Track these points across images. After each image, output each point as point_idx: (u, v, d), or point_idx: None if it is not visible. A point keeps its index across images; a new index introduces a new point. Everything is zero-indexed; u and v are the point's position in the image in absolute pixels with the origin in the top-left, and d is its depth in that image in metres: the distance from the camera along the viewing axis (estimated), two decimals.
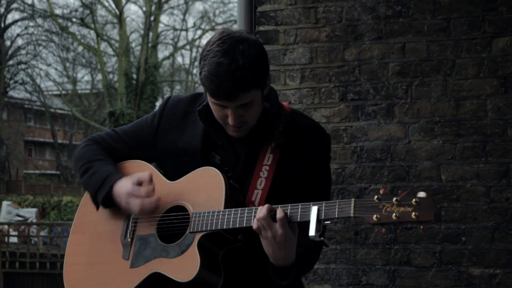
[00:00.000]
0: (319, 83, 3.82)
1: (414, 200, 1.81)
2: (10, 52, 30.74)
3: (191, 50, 32.54)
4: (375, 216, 1.84)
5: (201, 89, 2.22)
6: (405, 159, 3.67)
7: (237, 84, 1.97)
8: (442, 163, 3.62)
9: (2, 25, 30.65)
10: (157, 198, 2.14)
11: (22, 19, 30.92)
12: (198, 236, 2.06)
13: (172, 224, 2.15)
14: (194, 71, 32.53)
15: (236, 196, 2.11)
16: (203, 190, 2.11)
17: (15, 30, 37.55)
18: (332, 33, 3.82)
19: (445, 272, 3.57)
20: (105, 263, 2.23)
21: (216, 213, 2.05)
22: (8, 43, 30.93)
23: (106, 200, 2.20)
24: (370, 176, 3.70)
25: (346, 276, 3.70)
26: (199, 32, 31.21)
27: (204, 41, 31.11)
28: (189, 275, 2.01)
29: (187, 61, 35.79)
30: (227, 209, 2.04)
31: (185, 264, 2.03)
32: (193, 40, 31.74)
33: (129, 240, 2.20)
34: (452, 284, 3.56)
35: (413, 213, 1.80)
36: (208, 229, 2.04)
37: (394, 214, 1.82)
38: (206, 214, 2.06)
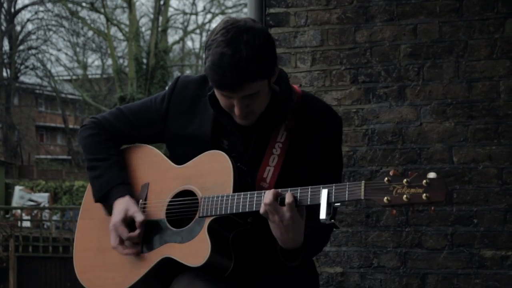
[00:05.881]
0: (330, 65, 3.80)
1: (424, 181, 1.79)
2: (20, 37, 30.80)
3: (201, 34, 32.47)
4: (385, 198, 1.83)
5: None
6: (417, 141, 3.65)
7: (240, 75, 1.94)
8: (454, 145, 3.60)
9: (13, 10, 30.71)
10: (135, 251, 2.16)
11: (32, 4, 30.94)
12: (208, 221, 2.05)
13: (181, 208, 2.15)
14: (204, 55, 32.47)
15: (245, 179, 2.10)
16: (211, 175, 2.10)
17: (25, 15, 37.67)
18: (343, 15, 3.79)
19: (457, 254, 3.57)
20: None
21: (225, 197, 2.04)
22: (18, 28, 31.01)
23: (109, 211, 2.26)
24: (382, 159, 3.69)
25: (358, 258, 3.70)
26: (209, 16, 31.20)
27: (214, 25, 31.06)
28: (201, 260, 2.01)
29: (197, 45, 35.72)
30: (236, 193, 2.03)
31: (196, 248, 2.04)
32: (203, 24, 31.66)
33: None
34: (463, 266, 3.55)
35: (424, 194, 1.79)
36: (218, 213, 2.04)
37: (404, 195, 1.81)
38: (215, 198, 2.05)
